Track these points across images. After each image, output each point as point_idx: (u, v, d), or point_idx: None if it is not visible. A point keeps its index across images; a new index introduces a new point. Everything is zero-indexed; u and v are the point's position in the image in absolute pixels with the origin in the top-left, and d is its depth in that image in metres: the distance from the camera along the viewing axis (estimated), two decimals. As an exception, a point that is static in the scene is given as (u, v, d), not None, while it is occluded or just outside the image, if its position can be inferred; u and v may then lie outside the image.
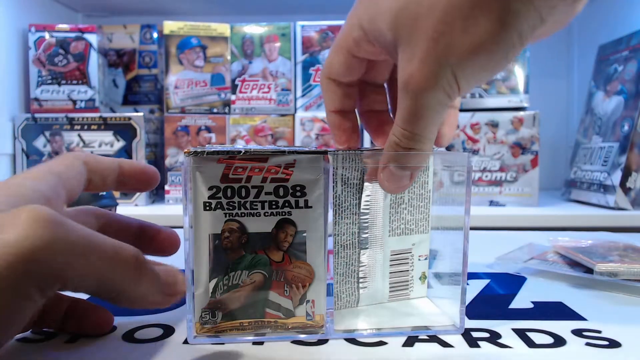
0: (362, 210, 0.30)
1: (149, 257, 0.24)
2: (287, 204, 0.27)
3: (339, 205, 0.30)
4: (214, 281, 0.27)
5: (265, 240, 0.27)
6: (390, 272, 0.32)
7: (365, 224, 0.31)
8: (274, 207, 0.27)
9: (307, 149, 0.27)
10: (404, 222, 0.32)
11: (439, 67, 0.24)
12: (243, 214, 0.27)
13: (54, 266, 0.19)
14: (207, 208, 0.27)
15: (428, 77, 0.25)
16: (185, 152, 0.26)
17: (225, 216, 0.27)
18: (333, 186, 0.29)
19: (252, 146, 0.27)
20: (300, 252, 0.28)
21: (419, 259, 0.33)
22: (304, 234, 0.27)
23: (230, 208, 0.27)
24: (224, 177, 0.26)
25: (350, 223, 0.30)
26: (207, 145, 0.28)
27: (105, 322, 0.28)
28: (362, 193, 0.30)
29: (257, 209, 0.27)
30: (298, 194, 0.27)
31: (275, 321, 0.28)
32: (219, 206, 0.27)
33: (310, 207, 0.27)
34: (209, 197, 0.26)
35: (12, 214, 0.19)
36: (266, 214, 0.27)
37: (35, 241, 0.18)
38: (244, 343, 0.27)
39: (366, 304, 0.32)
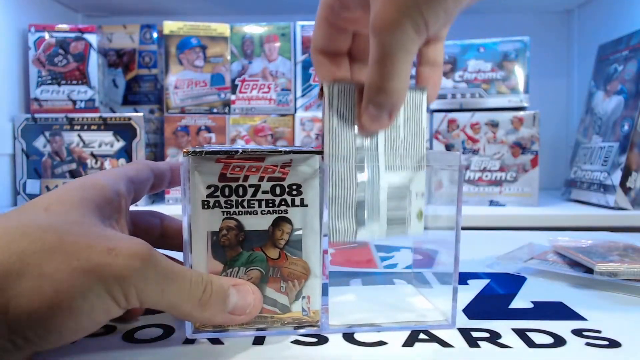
0: (357, 145, 0.30)
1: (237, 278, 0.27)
2: (283, 203, 0.27)
3: (334, 139, 0.29)
4: (211, 279, 0.27)
5: (262, 237, 0.27)
6: (388, 207, 0.32)
7: (361, 158, 0.31)
8: (270, 205, 0.27)
9: (303, 149, 0.28)
10: (399, 157, 0.31)
11: (403, 1, 0.24)
12: (240, 212, 0.27)
13: (139, 289, 0.23)
14: (205, 206, 0.27)
15: (393, 13, 0.24)
16: (184, 152, 0.26)
17: (223, 214, 0.27)
18: (329, 118, 0.28)
19: (250, 146, 0.27)
20: (296, 250, 0.28)
21: (416, 196, 0.33)
22: (300, 232, 0.28)
23: (228, 206, 0.27)
24: (221, 176, 0.27)
25: (346, 155, 0.30)
26: (205, 145, 0.29)
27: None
28: (356, 128, 0.30)
29: (254, 207, 0.27)
30: (294, 192, 0.27)
31: (272, 316, 0.28)
32: (216, 204, 0.27)
33: (306, 205, 0.28)
34: (207, 196, 0.27)
35: (119, 242, 0.23)
36: (263, 212, 0.27)
37: (131, 271, 0.22)
38: (244, 343, 0.27)
39: (363, 238, 0.32)
